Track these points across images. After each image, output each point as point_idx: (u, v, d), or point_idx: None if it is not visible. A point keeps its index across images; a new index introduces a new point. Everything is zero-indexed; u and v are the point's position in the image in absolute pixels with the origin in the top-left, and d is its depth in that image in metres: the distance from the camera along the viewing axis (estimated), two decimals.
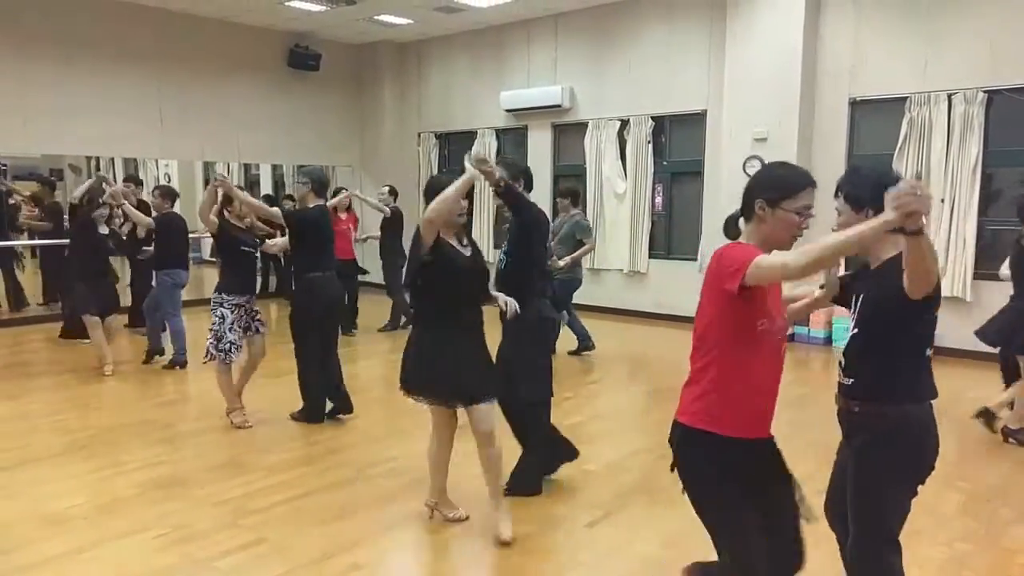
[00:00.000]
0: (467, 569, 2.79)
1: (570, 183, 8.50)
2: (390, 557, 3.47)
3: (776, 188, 2.20)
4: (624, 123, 9.84)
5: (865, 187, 2.32)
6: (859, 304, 2.40)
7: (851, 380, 2.39)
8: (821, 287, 2.66)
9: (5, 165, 12.84)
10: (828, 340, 8.30)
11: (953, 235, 7.51)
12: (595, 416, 5.69)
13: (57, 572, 3.25)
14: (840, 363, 2.44)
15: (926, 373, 2.36)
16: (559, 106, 10.29)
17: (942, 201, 7.53)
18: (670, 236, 9.85)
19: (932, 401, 2.37)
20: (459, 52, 11.65)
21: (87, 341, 7.03)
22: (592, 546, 3.57)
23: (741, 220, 2.30)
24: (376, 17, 10.56)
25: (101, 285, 6.71)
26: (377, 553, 3.48)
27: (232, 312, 5.12)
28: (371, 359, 7.72)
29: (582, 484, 4.30)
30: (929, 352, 2.35)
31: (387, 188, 8.94)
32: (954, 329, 7.54)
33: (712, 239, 9.05)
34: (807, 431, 5.35)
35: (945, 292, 7.48)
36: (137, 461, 4.58)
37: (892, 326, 2.29)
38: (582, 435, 5.23)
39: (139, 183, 8.80)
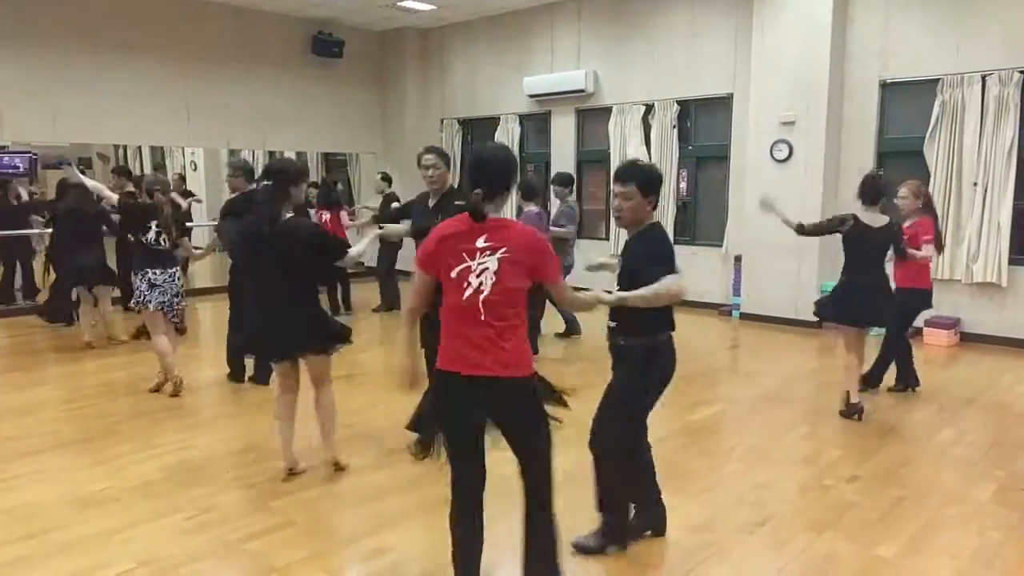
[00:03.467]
0: (490, 552, 2.81)
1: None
2: (417, 540, 3.49)
3: None
4: (649, 108, 9.74)
5: (648, 177, 3.07)
6: (619, 268, 3.20)
7: (615, 323, 3.16)
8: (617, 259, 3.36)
9: (36, 155, 13.06)
10: None
11: (986, 220, 7.34)
12: None
13: (91, 553, 3.32)
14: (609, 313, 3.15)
15: (667, 312, 3.10)
16: (583, 91, 10.20)
17: (975, 185, 7.37)
18: (695, 222, 9.76)
19: (672, 332, 3.16)
20: (482, 38, 11.59)
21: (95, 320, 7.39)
22: None
23: None
24: (399, 3, 10.54)
25: (86, 256, 7.03)
26: (405, 536, 3.50)
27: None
28: (384, 345, 7.69)
29: None
30: None
31: (380, 175, 9.43)
32: (989, 316, 7.39)
33: (738, 224, 8.95)
34: (834, 418, 5.30)
35: (978, 278, 7.39)
36: (166, 445, 4.65)
37: (639, 282, 2.95)
38: None
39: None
